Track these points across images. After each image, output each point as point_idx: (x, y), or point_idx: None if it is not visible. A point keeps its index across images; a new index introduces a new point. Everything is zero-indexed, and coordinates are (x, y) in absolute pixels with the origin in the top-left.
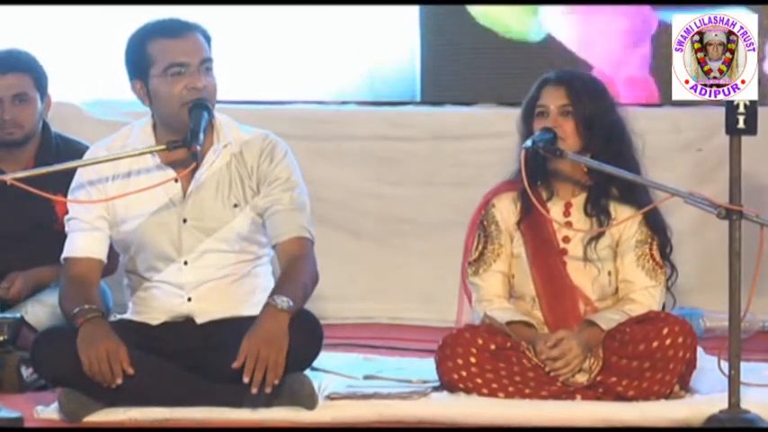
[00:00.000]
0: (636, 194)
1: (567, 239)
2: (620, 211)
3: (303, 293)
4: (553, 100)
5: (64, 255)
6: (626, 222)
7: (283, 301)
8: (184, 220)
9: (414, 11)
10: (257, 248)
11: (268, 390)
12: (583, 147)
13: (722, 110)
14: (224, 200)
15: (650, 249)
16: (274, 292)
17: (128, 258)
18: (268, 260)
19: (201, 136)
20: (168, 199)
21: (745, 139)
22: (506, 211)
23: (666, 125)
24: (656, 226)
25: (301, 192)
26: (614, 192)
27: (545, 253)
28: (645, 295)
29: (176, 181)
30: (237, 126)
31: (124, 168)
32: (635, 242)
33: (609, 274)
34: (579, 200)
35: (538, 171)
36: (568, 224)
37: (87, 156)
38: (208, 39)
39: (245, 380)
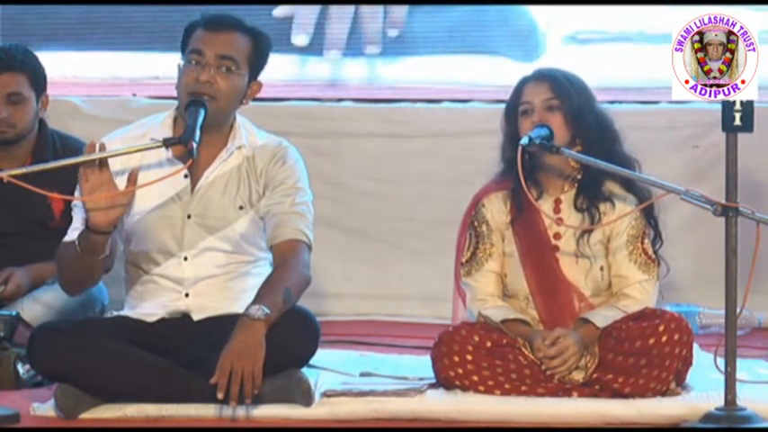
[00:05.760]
0: (632, 188)
1: (558, 236)
2: (615, 205)
3: (284, 298)
4: (536, 95)
5: (65, 240)
6: (618, 219)
7: (258, 311)
8: (189, 216)
9: None
10: (257, 251)
11: (248, 401)
12: (571, 140)
13: (718, 107)
14: (230, 201)
15: (642, 244)
16: (252, 301)
17: (128, 250)
18: (267, 262)
19: (198, 132)
20: (175, 193)
21: (741, 135)
22: (496, 210)
23: (662, 122)
24: (648, 221)
25: (304, 197)
26: (609, 186)
27: (537, 250)
28: (638, 290)
29: (186, 176)
30: (255, 130)
31: (136, 161)
32: (627, 237)
33: (601, 269)
34: (568, 196)
35: (527, 169)
36: (559, 220)
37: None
38: (255, 44)
39: (219, 397)
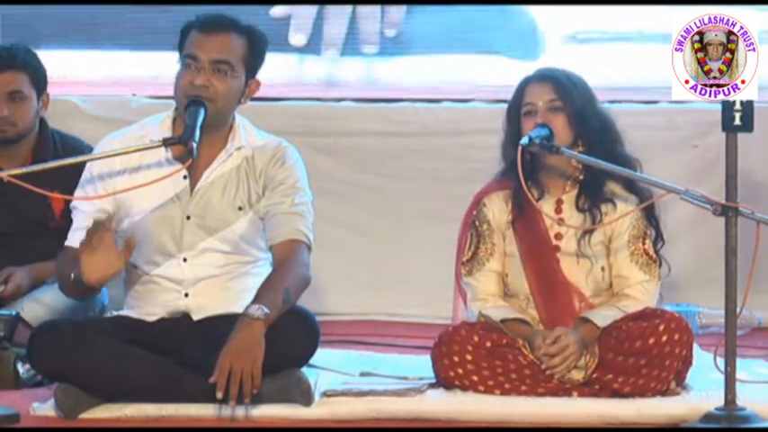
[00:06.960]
0: (633, 189)
1: (559, 236)
2: (616, 206)
3: (283, 298)
4: (540, 96)
5: (66, 243)
6: (620, 218)
7: (257, 310)
8: (188, 217)
9: None
10: (256, 251)
11: (247, 401)
12: (574, 141)
13: (718, 107)
14: (230, 201)
15: (643, 244)
16: (252, 301)
17: None
18: (267, 262)
19: (197, 133)
20: (175, 194)
21: (741, 135)
22: (498, 209)
23: (662, 122)
24: (649, 221)
25: (304, 197)
26: (610, 186)
27: (538, 250)
28: (639, 290)
29: (185, 177)
30: (254, 131)
31: (135, 162)
32: (628, 237)
33: (602, 269)
34: (570, 196)
35: (528, 169)
36: (561, 220)
37: (100, 146)
38: (251, 44)
39: (219, 396)
